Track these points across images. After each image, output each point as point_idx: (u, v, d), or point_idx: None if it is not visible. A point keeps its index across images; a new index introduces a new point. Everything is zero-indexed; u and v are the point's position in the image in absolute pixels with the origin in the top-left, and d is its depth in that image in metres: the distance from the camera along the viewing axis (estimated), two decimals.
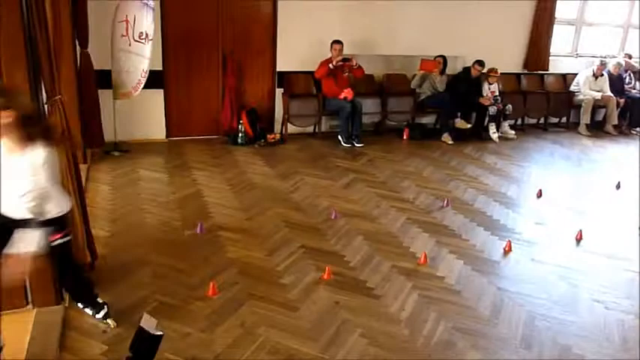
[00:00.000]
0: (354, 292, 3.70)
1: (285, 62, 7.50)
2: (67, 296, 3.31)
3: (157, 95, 6.94)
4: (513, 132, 8.49)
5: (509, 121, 8.56)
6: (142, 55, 6.05)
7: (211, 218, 4.77)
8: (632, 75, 9.65)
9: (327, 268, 3.90)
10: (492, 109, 8.11)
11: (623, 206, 5.77)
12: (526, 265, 4.29)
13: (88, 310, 3.11)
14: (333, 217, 4.91)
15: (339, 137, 7.43)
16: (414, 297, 3.69)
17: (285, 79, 7.52)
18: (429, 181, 6.14)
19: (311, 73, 7.45)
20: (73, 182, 3.30)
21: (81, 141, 5.39)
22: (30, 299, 3.14)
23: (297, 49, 7.45)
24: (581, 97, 9.13)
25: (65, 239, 2.70)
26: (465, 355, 3.13)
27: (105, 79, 6.10)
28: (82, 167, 4.75)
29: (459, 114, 8.13)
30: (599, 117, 9.51)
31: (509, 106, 8.33)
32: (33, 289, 3.13)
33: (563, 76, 9.52)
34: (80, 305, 3.12)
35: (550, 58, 9.24)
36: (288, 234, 4.55)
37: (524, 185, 6.24)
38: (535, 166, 7.08)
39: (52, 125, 2.59)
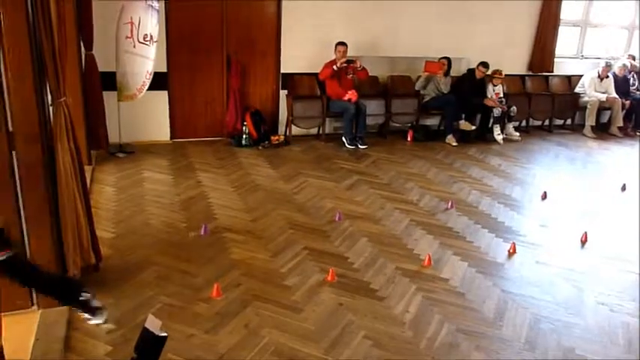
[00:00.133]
0: (358, 294, 3.70)
1: (289, 64, 7.50)
2: None
3: (162, 97, 6.96)
4: (518, 134, 8.47)
5: (513, 122, 8.54)
6: (147, 57, 6.07)
7: (215, 220, 4.78)
8: (635, 76, 9.62)
9: (331, 270, 3.90)
10: (497, 111, 8.10)
11: (628, 208, 5.75)
12: (530, 267, 4.27)
13: (86, 315, 2.80)
14: (337, 218, 4.91)
15: (343, 139, 7.43)
16: (418, 299, 3.69)
17: (290, 80, 7.53)
18: (433, 183, 6.13)
19: (315, 74, 7.46)
20: (77, 184, 3.31)
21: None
22: (35, 300, 3.16)
23: (302, 50, 7.46)
24: (586, 98, 9.10)
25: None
26: (469, 356, 3.13)
27: (109, 80, 6.12)
28: (87, 169, 4.77)
29: (463, 116, 8.12)
30: (605, 119, 9.46)
31: (514, 108, 8.31)
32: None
33: (568, 77, 9.50)
34: (74, 308, 2.86)
35: (555, 59, 9.20)
36: (292, 235, 4.55)
37: (529, 187, 6.22)
38: (539, 167, 7.06)
39: None
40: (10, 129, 2.85)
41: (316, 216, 5.00)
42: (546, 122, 9.28)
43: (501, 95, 8.31)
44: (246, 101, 7.39)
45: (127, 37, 5.96)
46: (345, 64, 7.23)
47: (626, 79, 9.44)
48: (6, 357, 2.50)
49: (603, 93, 9.08)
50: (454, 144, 7.82)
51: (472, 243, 4.63)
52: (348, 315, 3.45)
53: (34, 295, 3.14)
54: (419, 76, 8.01)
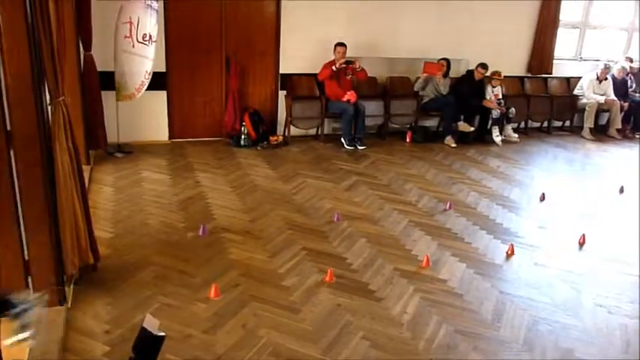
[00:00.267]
0: (356, 295, 3.70)
1: (288, 64, 7.50)
2: (69, 297, 3.32)
3: (160, 97, 6.95)
4: (516, 135, 8.48)
5: (512, 124, 8.55)
6: (146, 57, 6.06)
7: (214, 220, 4.78)
8: (632, 78, 9.63)
9: (329, 271, 3.90)
10: (495, 113, 8.10)
11: (626, 210, 5.75)
12: (529, 268, 4.28)
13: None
14: (335, 219, 4.91)
15: (342, 140, 7.43)
16: (416, 300, 3.69)
17: (288, 81, 7.53)
18: (432, 184, 6.13)
19: (314, 75, 7.46)
20: (75, 183, 3.31)
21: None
22: None
23: (301, 51, 7.46)
24: (584, 100, 9.11)
25: None
26: (467, 358, 3.12)
27: (108, 80, 6.11)
28: (85, 168, 4.76)
29: (462, 117, 8.13)
30: (603, 121, 9.48)
31: (513, 110, 8.32)
32: (35, 290, 3.13)
33: (567, 79, 9.51)
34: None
35: (554, 61, 9.22)
36: (290, 236, 4.55)
37: (527, 189, 6.23)
38: (538, 169, 7.07)
39: None
40: (9, 128, 2.85)
41: (315, 216, 5.00)
42: (545, 124, 9.28)
43: (500, 97, 8.32)
44: (244, 101, 7.39)
45: (125, 37, 5.96)
46: (344, 65, 7.23)
47: (624, 82, 9.45)
48: (3, 357, 2.49)
49: (602, 95, 9.09)
50: (453, 145, 7.82)
51: (470, 244, 4.63)
52: (346, 315, 3.45)
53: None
54: (418, 77, 8.01)
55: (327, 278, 3.85)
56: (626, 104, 9.22)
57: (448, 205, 5.42)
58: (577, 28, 9.66)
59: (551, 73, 9.27)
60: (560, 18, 9.06)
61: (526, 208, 5.64)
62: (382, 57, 7.99)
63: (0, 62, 2.79)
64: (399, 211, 5.24)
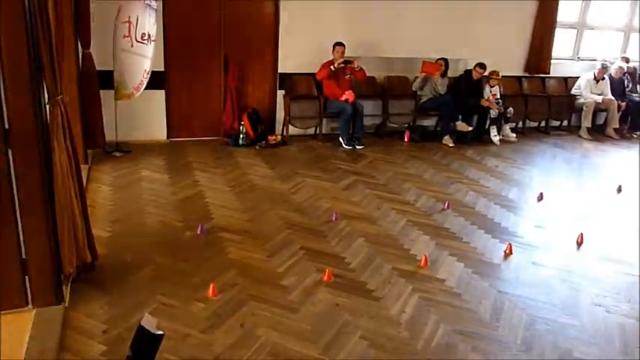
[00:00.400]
0: (355, 294, 3.70)
1: (286, 64, 7.50)
2: (67, 296, 3.32)
3: (159, 96, 6.95)
4: (514, 135, 8.49)
5: (510, 124, 8.56)
6: (144, 56, 6.06)
7: (212, 219, 4.77)
8: (629, 78, 9.66)
9: (327, 270, 3.90)
10: (493, 112, 8.12)
11: (624, 210, 5.77)
12: (527, 268, 4.28)
13: None
14: (333, 218, 4.91)
15: (340, 139, 7.43)
16: (415, 299, 3.69)
17: (287, 80, 7.53)
18: (430, 184, 6.13)
19: (312, 75, 7.46)
20: (74, 182, 3.30)
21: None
22: (30, 299, 3.14)
23: (299, 50, 7.46)
24: (582, 100, 9.13)
25: None
26: (466, 357, 3.13)
27: (107, 79, 6.10)
28: (84, 167, 4.75)
29: (460, 117, 8.13)
30: (601, 120, 9.51)
31: (511, 109, 8.33)
32: (33, 290, 3.12)
33: (565, 79, 9.53)
34: None
35: (551, 61, 9.24)
36: (288, 235, 4.54)
37: (525, 188, 6.23)
38: (536, 169, 7.08)
39: None
40: (7, 127, 2.84)
41: (313, 216, 5.00)
42: (543, 124, 9.30)
43: (498, 96, 8.33)
44: (243, 101, 7.39)
45: (124, 36, 5.95)
46: (342, 65, 7.23)
47: (621, 81, 9.49)
48: (1, 356, 2.49)
49: (599, 95, 9.12)
50: (451, 145, 7.83)
51: (468, 244, 4.64)
52: (345, 315, 3.45)
53: (30, 294, 3.13)
54: (416, 77, 8.02)
55: (326, 278, 3.85)
56: (623, 104, 9.25)
57: (446, 204, 5.42)
58: (574, 28, 9.68)
59: (548, 73, 9.29)
60: (558, 18, 9.08)
61: (524, 207, 5.64)
62: (380, 57, 7.99)
63: None
64: (397, 211, 5.24)
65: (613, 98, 9.13)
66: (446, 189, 6.00)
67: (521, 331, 3.40)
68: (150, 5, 5.97)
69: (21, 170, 2.93)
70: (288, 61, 7.49)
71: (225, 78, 7.20)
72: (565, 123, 9.47)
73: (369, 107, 7.74)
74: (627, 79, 9.64)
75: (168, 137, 7.18)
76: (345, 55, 7.24)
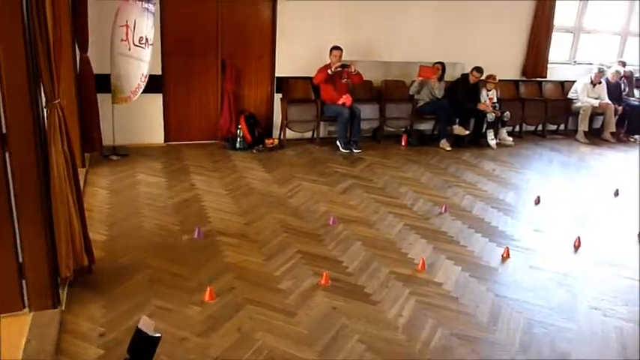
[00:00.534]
0: (352, 298, 3.70)
1: (283, 68, 7.51)
2: (64, 300, 3.31)
3: (156, 100, 6.95)
4: (511, 139, 8.51)
5: (507, 127, 8.58)
6: (142, 60, 6.06)
7: (209, 223, 4.77)
8: (625, 82, 9.70)
9: (324, 274, 3.89)
10: (490, 116, 8.14)
11: (621, 213, 5.78)
12: (524, 271, 4.28)
13: None
14: (331, 222, 4.91)
15: (338, 143, 7.44)
16: (412, 303, 3.69)
17: (284, 84, 7.54)
18: (427, 188, 6.14)
19: (310, 78, 7.47)
20: (71, 186, 3.30)
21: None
22: (27, 303, 3.13)
23: (296, 54, 7.47)
24: (579, 104, 9.17)
25: None
26: None
27: (104, 83, 6.10)
28: (81, 171, 4.75)
29: (457, 120, 8.15)
30: (597, 124, 9.54)
31: (507, 113, 8.35)
32: (30, 293, 3.12)
33: (562, 83, 9.56)
34: None
35: (548, 65, 9.27)
36: (285, 239, 4.54)
37: (523, 192, 6.25)
38: (533, 172, 7.09)
39: None
40: (4, 131, 2.84)
41: (310, 220, 5.00)
42: (539, 127, 9.33)
43: (495, 100, 8.35)
44: (240, 104, 7.39)
45: (122, 40, 5.96)
46: (339, 69, 7.24)
47: (618, 85, 9.52)
48: None
49: (596, 99, 9.15)
50: (448, 149, 7.84)
51: (466, 247, 4.64)
52: (342, 319, 3.44)
53: (26, 297, 3.12)
54: (413, 81, 8.03)
55: (323, 281, 3.85)
56: (620, 108, 9.29)
57: (443, 208, 5.43)
58: (571, 32, 9.72)
59: (545, 77, 9.33)
60: (555, 22, 9.11)
61: (521, 211, 5.65)
62: (377, 61, 8.01)
63: None
64: (394, 215, 5.25)
65: (610, 102, 9.16)
66: (443, 193, 6.00)
67: (519, 335, 3.41)
68: (148, 9, 5.97)
69: (18, 174, 2.92)
70: (286, 65, 7.50)
71: (222, 82, 7.21)
72: (562, 127, 9.50)
73: (366, 111, 7.75)
74: (624, 82, 9.68)
75: (165, 141, 7.17)
76: (342, 59, 7.25)
